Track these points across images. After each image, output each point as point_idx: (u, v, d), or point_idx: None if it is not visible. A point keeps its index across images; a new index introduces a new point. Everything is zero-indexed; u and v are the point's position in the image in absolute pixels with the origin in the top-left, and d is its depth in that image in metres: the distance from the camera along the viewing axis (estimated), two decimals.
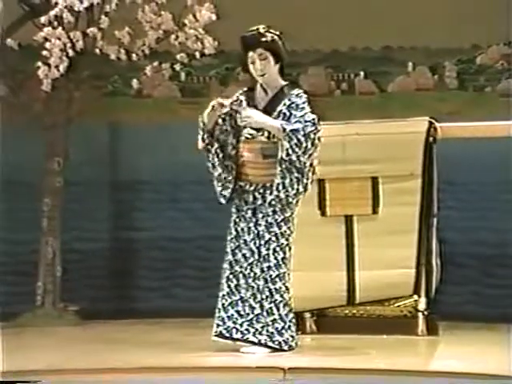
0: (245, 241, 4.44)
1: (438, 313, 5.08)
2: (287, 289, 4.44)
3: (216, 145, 4.52)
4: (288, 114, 4.44)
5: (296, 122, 4.39)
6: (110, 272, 6.05)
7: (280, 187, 4.37)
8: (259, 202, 4.44)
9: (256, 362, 4.19)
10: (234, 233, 4.48)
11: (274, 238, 4.41)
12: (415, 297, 5.05)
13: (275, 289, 4.40)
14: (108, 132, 6.10)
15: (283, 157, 4.36)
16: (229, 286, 4.46)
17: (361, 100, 6.09)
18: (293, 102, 4.46)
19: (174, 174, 6.04)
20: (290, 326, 4.40)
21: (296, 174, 4.37)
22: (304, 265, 5.02)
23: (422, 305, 5.05)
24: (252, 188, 4.46)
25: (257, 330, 4.39)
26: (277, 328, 4.38)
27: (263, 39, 4.48)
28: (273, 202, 4.40)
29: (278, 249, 4.41)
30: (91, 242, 6.02)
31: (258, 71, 4.47)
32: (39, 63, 5.39)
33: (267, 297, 4.39)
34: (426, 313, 5.05)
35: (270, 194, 4.40)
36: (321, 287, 4.96)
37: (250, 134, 4.47)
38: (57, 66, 5.37)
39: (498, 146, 5.42)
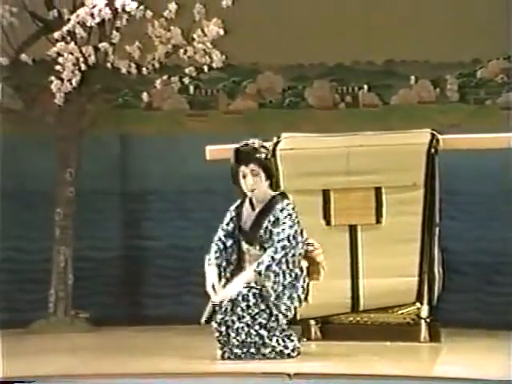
0: None
1: (440, 320, 5.07)
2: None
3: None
4: (271, 228, 4.39)
5: (269, 246, 4.34)
6: (120, 279, 6.07)
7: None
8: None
9: (262, 367, 4.19)
10: None
11: None
12: (418, 304, 5.05)
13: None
14: (119, 143, 6.13)
15: (270, 290, 4.34)
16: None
17: (364, 112, 6.11)
18: (277, 218, 4.39)
19: (182, 184, 6.06)
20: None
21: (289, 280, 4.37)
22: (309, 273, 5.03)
23: (424, 312, 5.04)
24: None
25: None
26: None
27: (257, 155, 4.40)
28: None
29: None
30: (102, 251, 6.04)
31: (249, 186, 4.41)
32: (52, 77, 5.43)
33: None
34: (428, 320, 5.04)
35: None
36: (325, 295, 4.95)
37: (246, 248, 4.49)
38: (69, 80, 5.41)
39: (499, 157, 5.42)
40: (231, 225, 4.52)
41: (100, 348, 4.96)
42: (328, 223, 5.03)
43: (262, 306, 4.37)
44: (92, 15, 5.31)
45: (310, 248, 4.52)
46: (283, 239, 4.35)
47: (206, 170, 5.68)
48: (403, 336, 4.85)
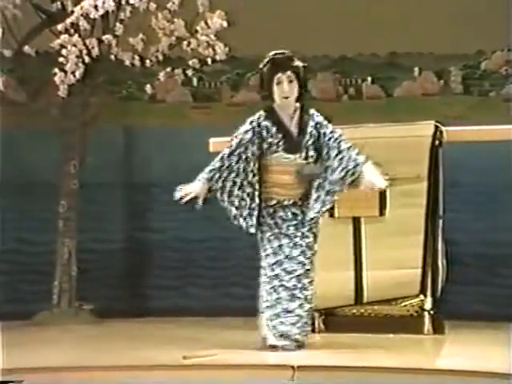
0: (287, 256, 4.41)
1: (443, 312, 5.04)
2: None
3: (219, 191, 4.46)
4: (316, 133, 4.43)
5: (334, 146, 4.40)
6: (124, 271, 6.04)
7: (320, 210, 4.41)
8: (300, 216, 4.43)
9: (265, 360, 4.17)
10: (269, 250, 4.43)
11: (309, 246, 4.44)
12: (421, 296, 5.02)
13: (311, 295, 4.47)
14: (122, 135, 6.10)
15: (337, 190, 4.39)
16: (267, 300, 4.45)
17: (368, 104, 6.07)
18: (317, 122, 4.47)
19: (186, 176, 6.01)
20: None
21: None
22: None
23: (428, 304, 5.01)
24: (286, 204, 4.42)
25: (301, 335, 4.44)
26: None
27: (294, 63, 4.45)
28: (314, 218, 4.42)
29: (311, 261, 4.46)
30: (106, 243, 6.02)
31: (284, 93, 4.41)
32: (56, 69, 5.39)
33: (310, 304, 4.46)
34: (432, 312, 5.02)
35: (309, 209, 4.40)
36: (329, 287, 4.93)
37: (287, 158, 4.44)
38: (73, 72, 5.37)
39: (502, 148, 5.38)
40: (250, 136, 4.41)
41: (104, 340, 4.94)
42: (331, 215, 4.99)
43: None
44: (96, 7, 5.28)
45: None
46: (341, 135, 4.43)
47: (209, 162, 5.65)
48: (407, 328, 4.82)
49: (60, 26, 5.37)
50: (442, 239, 5.08)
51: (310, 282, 4.44)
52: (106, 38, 5.39)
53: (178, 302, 5.92)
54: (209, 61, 5.50)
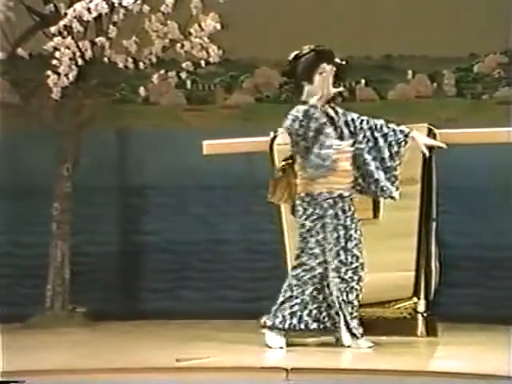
0: (343, 247, 4.49)
1: (437, 314, 5.05)
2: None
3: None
4: (343, 120, 4.57)
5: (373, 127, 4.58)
6: (118, 274, 6.03)
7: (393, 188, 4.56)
8: (353, 208, 4.53)
9: (258, 362, 4.16)
10: (331, 241, 4.50)
11: (361, 241, 4.56)
12: (415, 299, 5.02)
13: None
14: (116, 138, 6.09)
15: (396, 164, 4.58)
16: (331, 293, 4.52)
17: (362, 107, 6.06)
18: (343, 112, 4.63)
19: (180, 179, 6.03)
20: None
21: None
22: None
23: (421, 307, 5.02)
24: (347, 193, 4.52)
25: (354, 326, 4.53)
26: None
27: (336, 59, 4.62)
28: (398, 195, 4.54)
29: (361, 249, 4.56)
30: (100, 246, 6.01)
31: (327, 83, 4.52)
32: (49, 72, 5.38)
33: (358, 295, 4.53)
34: (425, 314, 5.02)
35: (384, 192, 4.53)
36: None
37: (338, 144, 4.53)
38: (66, 75, 5.37)
39: (496, 151, 5.40)
40: (298, 125, 4.48)
41: (97, 343, 4.93)
42: None
43: None
44: (89, 10, 5.27)
45: None
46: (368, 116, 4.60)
47: (203, 165, 5.65)
48: (400, 330, 4.81)
49: (53, 29, 5.36)
50: (436, 242, 5.09)
51: (364, 276, 4.54)
52: (100, 40, 5.39)
53: (172, 305, 5.92)
54: (202, 63, 5.50)
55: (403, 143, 4.55)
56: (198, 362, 4.15)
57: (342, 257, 4.49)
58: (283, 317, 4.54)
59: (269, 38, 5.88)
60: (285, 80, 6.22)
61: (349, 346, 4.52)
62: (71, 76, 5.37)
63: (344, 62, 4.59)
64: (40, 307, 5.58)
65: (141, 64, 5.48)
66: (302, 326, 4.52)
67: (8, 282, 5.87)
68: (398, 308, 5.03)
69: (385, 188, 4.55)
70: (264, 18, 5.83)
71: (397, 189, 4.56)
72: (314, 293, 4.52)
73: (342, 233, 4.49)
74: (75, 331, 5.33)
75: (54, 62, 5.36)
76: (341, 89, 4.61)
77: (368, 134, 4.56)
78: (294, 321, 4.53)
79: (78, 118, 5.61)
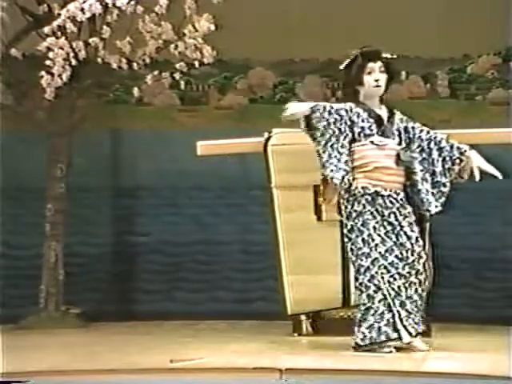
0: (395, 243, 4.41)
1: (430, 315, 5.05)
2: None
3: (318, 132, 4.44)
4: (403, 126, 4.49)
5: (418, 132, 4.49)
6: (111, 275, 6.03)
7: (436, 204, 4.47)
8: (396, 205, 4.43)
9: (252, 363, 4.16)
10: (377, 238, 4.40)
11: (418, 235, 4.46)
12: None
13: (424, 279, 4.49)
14: (110, 139, 6.08)
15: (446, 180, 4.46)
16: (393, 289, 4.41)
17: None
18: (401, 118, 4.52)
19: (174, 180, 6.02)
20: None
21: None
22: (300, 268, 4.99)
23: None
24: (387, 193, 4.43)
25: (410, 324, 4.44)
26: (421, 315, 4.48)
27: (384, 55, 4.53)
28: (406, 206, 4.43)
29: (421, 244, 4.47)
30: (93, 247, 6.00)
31: (376, 82, 4.46)
32: (43, 72, 5.37)
33: (423, 289, 4.46)
34: None
35: (402, 200, 4.43)
36: (317, 290, 4.93)
37: (381, 141, 4.46)
38: (60, 75, 5.35)
39: (490, 152, 5.40)
40: (343, 113, 4.42)
41: (90, 344, 4.92)
42: (319, 218, 4.99)
43: None
44: (82, 10, 5.26)
45: None
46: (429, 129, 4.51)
47: (197, 166, 5.64)
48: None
49: (47, 29, 5.35)
50: (429, 242, 5.10)
51: (422, 269, 4.45)
52: (93, 40, 5.38)
53: (166, 306, 5.91)
54: (196, 64, 5.50)
55: (457, 160, 4.44)
56: (192, 363, 4.14)
57: (397, 252, 4.39)
58: (363, 334, 4.40)
59: (263, 39, 5.88)
60: (279, 80, 6.23)
61: (409, 343, 4.38)
62: (65, 76, 5.36)
63: (393, 56, 4.51)
64: (34, 308, 5.57)
65: (134, 65, 5.47)
66: (383, 338, 4.38)
67: (1, 283, 5.86)
68: None
69: (424, 200, 4.46)
70: (258, 19, 5.83)
71: (438, 206, 4.46)
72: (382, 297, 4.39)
73: (389, 228, 4.40)
74: (69, 332, 5.31)
75: (48, 62, 5.35)
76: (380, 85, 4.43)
77: (424, 144, 4.47)
78: (374, 335, 4.39)
79: (71, 118, 5.59)
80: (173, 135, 5.97)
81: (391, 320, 4.38)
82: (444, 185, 4.47)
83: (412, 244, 4.43)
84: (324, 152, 4.39)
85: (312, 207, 5.03)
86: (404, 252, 4.41)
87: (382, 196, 4.42)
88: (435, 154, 4.46)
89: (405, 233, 4.42)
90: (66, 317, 5.54)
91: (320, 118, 4.42)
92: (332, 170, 4.38)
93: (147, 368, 4.11)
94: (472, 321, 5.37)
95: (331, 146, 4.40)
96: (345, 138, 4.43)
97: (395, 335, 4.38)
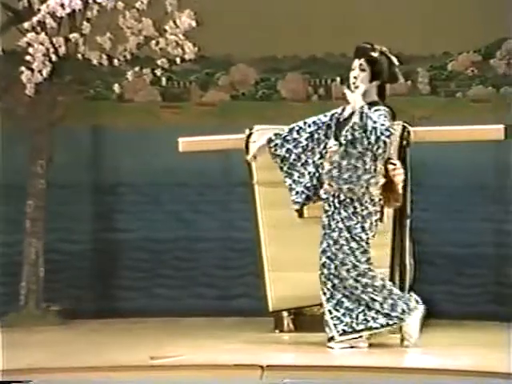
0: (328, 244, 4.44)
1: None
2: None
3: (280, 158, 4.50)
4: (360, 123, 4.37)
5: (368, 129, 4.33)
6: (92, 272, 5.97)
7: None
8: (332, 209, 4.43)
9: (233, 359, 4.14)
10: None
11: (344, 242, 4.44)
12: None
13: (373, 276, 4.43)
14: (91, 135, 6.02)
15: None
16: (328, 289, 4.46)
17: (337, 105, 6.04)
18: (366, 113, 4.37)
19: (155, 177, 5.98)
20: (399, 297, 4.43)
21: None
22: (282, 265, 4.98)
23: None
24: (326, 196, 4.44)
25: (373, 316, 4.40)
26: (389, 305, 4.40)
27: (369, 52, 4.43)
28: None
29: (347, 250, 4.42)
30: (74, 243, 5.94)
31: (352, 79, 4.42)
32: (23, 68, 5.31)
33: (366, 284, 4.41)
34: None
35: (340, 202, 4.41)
36: (298, 287, 4.91)
37: (333, 143, 4.45)
38: (40, 71, 5.30)
39: (470, 149, 5.41)
40: (326, 119, 4.44)
41: (71, 341, 4.87)
42: (300, 215, 4.97)
43: None
44: (62, 6, 5.20)
45: (391, 166, 4.46)
46: (377, 122, 4.30)
47: (178, 163, 5.60)
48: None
49: (27, 24, 5.29)
50: (410, 239, 5.09)
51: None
52: (73, 36, 5.32)
53: (147, 303, 5.87)
54: (178, 60, 5.46)
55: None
56: (173, 360, 4.11)
57: (329, 253, 4.45)
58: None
59: (244, 36, 5.85)
60: (261, 77, 6.20)
61: (343, 341, 4.42)
62: (45, 72, 5.30)
63: (376, 56, 4.41)
64: (14, 305, 5.51)
65: (115, 61, 5.41)
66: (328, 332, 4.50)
67: None
68: None
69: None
70: (239, 16, 5.80)
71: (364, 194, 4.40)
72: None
73: (327, 231, 4.44)
74: (49, 329, 5.26)
75: (28, 58, 5.29)
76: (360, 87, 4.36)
77: (365, 141, 4.37)
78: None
79: (52, 114, 5.53)
80: (154, 132, 5.92)
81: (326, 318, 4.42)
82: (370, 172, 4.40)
83: (337, 249, 4.43)
84: (286, 177, 4.46)
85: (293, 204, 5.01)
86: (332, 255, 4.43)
87: (324, 199, 4.45)
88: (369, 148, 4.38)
89: (331, 238, 4.43)
90: (46, 314, 5.48)
91: (280, 145, 4.43)
92: (296, 194, 4.45)
93: (127, 365, 4.08)
94: (453, 316, 5.38)
95: (296, 168, 4.42)
96: (324, 147, 4.40)
97: (328, 331, 4.41)
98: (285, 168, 4.47)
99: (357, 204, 4.42)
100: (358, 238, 4.44)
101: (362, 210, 4.43)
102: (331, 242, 4.45)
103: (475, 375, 3.85)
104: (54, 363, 4.19)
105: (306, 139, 4.44)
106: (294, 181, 4.46)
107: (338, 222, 4.42)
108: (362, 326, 4.41)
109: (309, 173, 4.45)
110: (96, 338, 4.98)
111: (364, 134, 4.37)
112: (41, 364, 4.15)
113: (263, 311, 5.00)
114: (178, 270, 5.98)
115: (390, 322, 4.41)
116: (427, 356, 4.30)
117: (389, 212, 4.97)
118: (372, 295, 4.41)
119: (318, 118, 4.49)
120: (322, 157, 4.45)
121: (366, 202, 4.43)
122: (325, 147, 4.45)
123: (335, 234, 4.45)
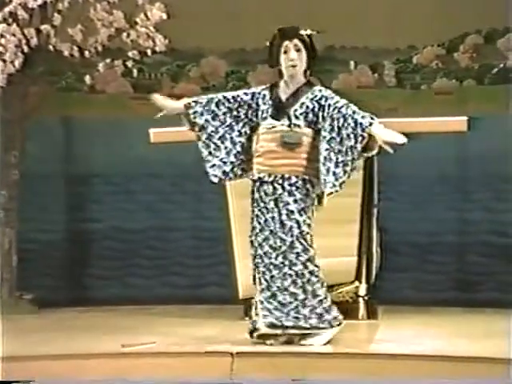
0: (271, 231, 4.17)
1: (377, 298, 5.06)
2: (319, 269, 4.25)
3: (199, 127, 4.28)
4: (315, 105, 4.20)
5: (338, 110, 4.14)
6: (65, 262, 5.91)
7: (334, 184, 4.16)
8: (279, 191, 4.19)
9: (204, 347, 4.11)
10: (257, 226, 4.19)
11: (296, 225, 4.17)
12: (356, 283, 5.01)
13: (310, 272, 4.20)
14: (63, 126, 5.96)
15: (350, 159, 4.14)
16: (266, 280, 4.20)
17: None
18: (319, 96, 4.20)
19: (127, 167, 5.93)
20: (332, 303, 4.24)
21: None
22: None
23: (362, 290, 5.01)
24: (271, 179, 4.20)
25: (305, 315, 4.17)
26: (324, 308, 4.20)
27: (301, 32, 4.31)
28: (332, 193, 4.18)
29: (299, 236, 4.18)
30: (47, 233, 5.88)
31: (290, 61, 4.25)
32: None
33: (308, 280, 4.17)
34: (366, 298, 5.02)
35: (290, 185, 4.17)
36: None
37: (270, 124, 4.24)
38: (12, 62, 5.21)
39: (436, 142, 5.43)
40: (248, 98, 4.25)
41: (44, 329, 4.81)
42: None
43: None
44: None
45: None
46: (347, 104, 4.15)
47: (151, 153, 5.56)
48: (343, 314, 4.79)
49: None
50: (377, 228, 5.10)
51: (298, 257, 4.18)
52: (45, 28, 5.24)
53: (119, 292, 5.82)
54: (149, 52, 5.40)
55: (360, 138, 4.11)
56: (144, 348, 4.07)
57: (271, 241, 4.17)
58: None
59: (215, 28, 5.81)
60: (231, 69, 6.16)
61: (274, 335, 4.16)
62: (17, 63, 5.22)
63: (308, 34, 4.29)
64: None
65: (86, 52, 5.35)
66: (251, 327, 4.25)
67: None
68: (340, 292, 5.02)
69: (322, 181, 4.19)
70: (210, 8, 5.75)
71: (335, 185, 4.16)
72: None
73: (268, 216, 4.16)
74: (22, 318, 5.19)
75: (0, 48, 5.21)
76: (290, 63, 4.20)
77: (335, 123, 4.14)
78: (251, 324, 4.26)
79: (24, 105, 5.46)
80: (126, 123, 5.86)
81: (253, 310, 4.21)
82: (346, 164, 4.15)
83: (285, 233, 4.16)
84: (203, 148, 4.24)
85: None
86: (278, 241, 4.16)
87: (266, 182, 4.20)
88: (343, 132, 4.15)
89: (281, 222, 4.16)
90: (19, 302, 5.42)
91: (200, 114, 4.26)
92: (212, 167, 4.24)
93: (99, 353, 4.03)
94: (418, 303, 5.40)
95: (213, 140, 4.24)
96: (243, 125, 4.24)
97: (253, 326, 4.19)
98: (202, 138, 4.24)
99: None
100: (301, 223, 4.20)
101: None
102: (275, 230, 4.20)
103: (438, 360, 3.87)
104: (27, 351, 4.13)
105: (224, 114, 4.26)
106: (209, 152, 4.24)
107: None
108: (291, 323, 4.16)
109: (225, 147, 4.24)
110: (68, 326, 4.92)
111: (337, 115, 4.16)
112: (13, 352, 4.08)
113: (234, 299, 4.98)
114: (151, 259, 5.94)
115: (321, 326, 4.16)
116: (392, 343, 4.31)
117: (357, 201, 4.98)
118: (315, 286, 4.17)
119: (238, 95, 4.30)
120: (240, 135, 4.26)
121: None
122: (244, 126, 4.26)
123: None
